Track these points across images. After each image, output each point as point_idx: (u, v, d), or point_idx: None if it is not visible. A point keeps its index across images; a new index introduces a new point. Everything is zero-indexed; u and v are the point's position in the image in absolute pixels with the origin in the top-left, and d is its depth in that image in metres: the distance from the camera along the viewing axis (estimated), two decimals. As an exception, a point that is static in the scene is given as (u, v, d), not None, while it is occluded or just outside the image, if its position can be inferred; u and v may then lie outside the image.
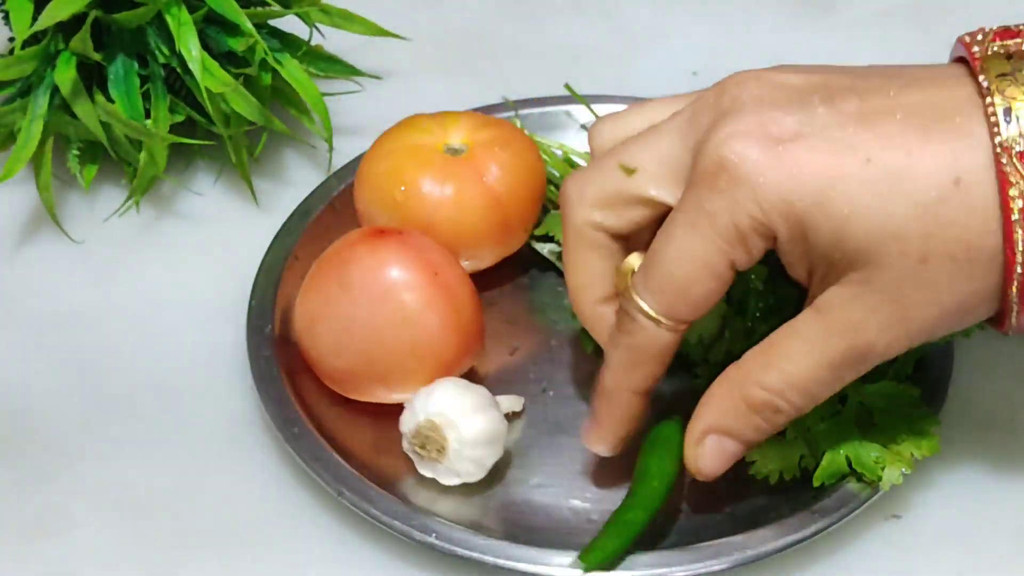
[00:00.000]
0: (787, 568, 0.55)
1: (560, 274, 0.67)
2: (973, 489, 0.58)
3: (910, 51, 0.85)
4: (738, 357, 0.53)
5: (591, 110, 0.71)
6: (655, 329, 0.51)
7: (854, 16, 0.89)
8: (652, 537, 0.55)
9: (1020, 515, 0.57)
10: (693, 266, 0.50)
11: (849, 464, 0.55)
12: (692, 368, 0.61)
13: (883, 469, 0.55)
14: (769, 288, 0.58)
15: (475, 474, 0.56)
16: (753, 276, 0.58)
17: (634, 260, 0.54)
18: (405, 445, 0.56)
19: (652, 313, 0.50)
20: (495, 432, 0.56)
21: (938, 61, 0.84)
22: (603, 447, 0.56)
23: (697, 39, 0.86)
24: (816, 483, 0.55)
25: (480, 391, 0.57)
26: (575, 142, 0.72)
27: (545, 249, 0.67)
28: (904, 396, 0.56)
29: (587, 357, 0.63)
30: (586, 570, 0.52)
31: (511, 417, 0.60)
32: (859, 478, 0.55)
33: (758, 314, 0.58)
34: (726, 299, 0.58)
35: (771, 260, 0.56)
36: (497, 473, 0.57)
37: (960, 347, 0.56)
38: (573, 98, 0.73)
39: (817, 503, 0.55)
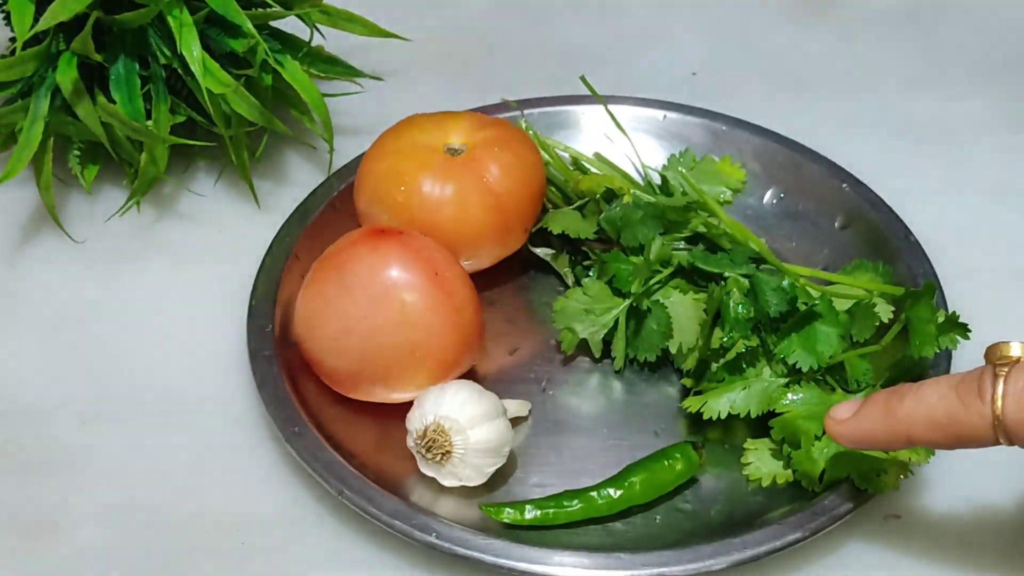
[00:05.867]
0: (786, 568, 0.55)
1: (559, 275, 0.67)
2: (972, 489, 0.58)
3: (909, 51, 0.86)
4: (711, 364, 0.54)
5: (606, 107, 0.71)
6: (986, 427, 0.47)
7: (854, 16, 0.89)
8: (652, 537, 0.55)
9: (1019, 515, 0.57)
10: None
11: (851, 481, 0.55)
12: (675, 373, 0.62)
13: (880, 476, 0.55)
14: (747, 302, 0.59)
15: (475, 480, 0.56)
16: (732, 291, 0.59)
17: (1017, 347, 0.49)
18: (410, 442, 0.56)
19: (999, 413, 0.47)
20: (501, 442, 0.56)
21: (936, 61, 0.85)
22: (844, 440, 0.52)
23: (697, 39, 0.86)
24: (818, 490, 0.55)
25: (491, 399, 0.57)
26: (577, 142, 0.72)
27: (541, 251, 0.67)
28: None
29: (587, 357, 0.63)
30: (480, 507, 0.55)
31: (515, 421, 0.60)
32: (859, 488, 0.55)
33: (735, 326, 0.59)
34: (706, 312, 0.59)
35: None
36: (498, 473, 0.57)
37: (959, 348, 0.56)
38: (575, 99, 0.73)
39: (816, 503, 0.55)
